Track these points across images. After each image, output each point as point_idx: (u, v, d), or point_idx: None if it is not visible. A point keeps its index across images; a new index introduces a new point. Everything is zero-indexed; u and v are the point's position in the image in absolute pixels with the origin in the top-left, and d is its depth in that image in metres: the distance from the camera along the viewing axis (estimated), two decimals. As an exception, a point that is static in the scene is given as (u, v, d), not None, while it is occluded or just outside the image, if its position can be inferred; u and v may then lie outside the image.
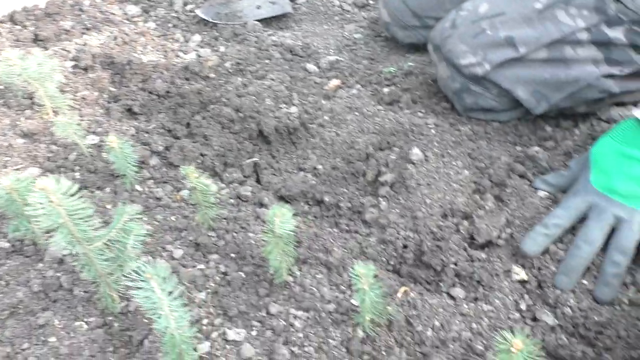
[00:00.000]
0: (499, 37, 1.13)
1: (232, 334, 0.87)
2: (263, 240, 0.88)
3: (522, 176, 1.08)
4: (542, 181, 1.05)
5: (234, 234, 1.03)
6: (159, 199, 1.11)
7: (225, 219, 1.06)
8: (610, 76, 1.11)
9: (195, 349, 0.84)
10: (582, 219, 0.95)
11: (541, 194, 1.04)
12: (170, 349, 0.76)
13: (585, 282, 0.92)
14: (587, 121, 1.18)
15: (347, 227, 1.05)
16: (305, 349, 0.84)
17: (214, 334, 0.87)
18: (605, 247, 0.92)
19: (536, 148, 1.13)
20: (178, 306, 0.71)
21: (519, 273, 0.92)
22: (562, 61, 1.10)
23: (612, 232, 0.93)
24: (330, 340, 0.85)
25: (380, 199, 1.07)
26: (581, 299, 0.89)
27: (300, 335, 0.86)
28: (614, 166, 0.95)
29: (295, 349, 0.84)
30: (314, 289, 0.92)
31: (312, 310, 0.89)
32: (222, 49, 1.62)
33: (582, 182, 0.98)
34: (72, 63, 1.52)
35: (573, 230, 0.96)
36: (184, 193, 1.12)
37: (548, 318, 0.87)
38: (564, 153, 1.12)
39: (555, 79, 1.11)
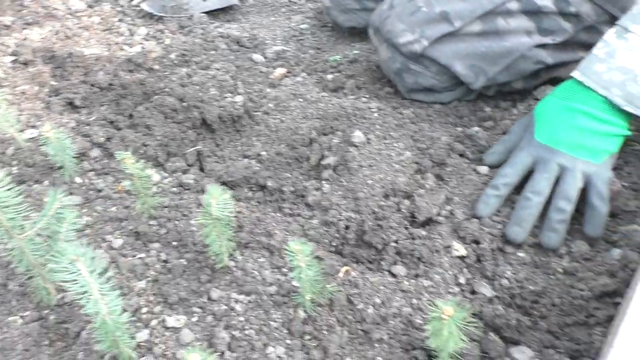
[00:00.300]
0: (434, 12, 1.14)
1: (172, 320, 0.85)
2: (204, 226, 0.87)
3: (461, 155, 1.10)
4: (489, 153, 1.07)
5: (176, 222, 1.01)
6: (99, 190, 1.09)
7: (166, 207, 1.04)
8: (543, 46, 1.14)
9: (133, 337, 0.82)
10: (530, 174, 0.99)
11: (481, 170, 1.06)
12: (104, 336, 0.75)
13: (521, 254, 0.93)
14: (525, 101, 1.21)
15: (290, 211, 1.04)
16: (246, 332, 0.83)
17: (154, 322, 0.86)
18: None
19: (476, 128, 1.14)
20: (109, 290, 0.69)
21: (459, 249, 0.94)
22: (495, 33, 1.12)
23: (557, 181, 0.96)
24: (272, 323, 0.85)
25: (323, 182, 1.07)
26: (518, 271, 0.91)
27: (242, 319, 0.85)
28: (556, 119, 0.99)
29: (236, 332, 0.83)
30: (255, 272, 0.92)
31: (254, 293, 0.88)
32: (167, 41, 1.60)
33: (527, 138, 1.01)
34: (12, 58, 1.48)
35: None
36: (126, 184, 1.10)
37: (486, 290, 0.89)
38: (502, 132, 1.14)
39: (491, 51, 1.13)
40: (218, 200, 0.82)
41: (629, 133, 0.99)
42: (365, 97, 1.29)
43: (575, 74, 0.99)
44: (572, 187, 0.93)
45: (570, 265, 0.91)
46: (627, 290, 0.81)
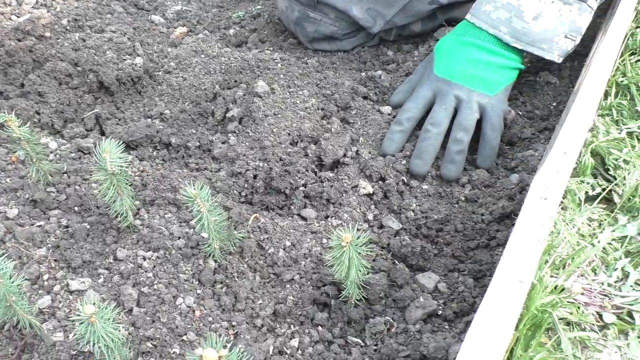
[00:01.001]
0: None
1: (76, 284, 0.82)
2: (102, 184, 0.84)
3: (365, 97, 1.11)
4: (395, 93, 1.09)
5: (76, 187, 0.97)
6: (-9, 163, 1.02)
7: (65, 173, 0.99)
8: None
9: (34, 304, 0.79)
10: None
11: (384, 109, 1.07)
12: (-2, 303, 0.71)
13: (425, 187, 0.96)
14: (426, 43, 1.22)
15: (196, 166, 1.02)
16: (155, 287, 0.81)
17: (56, 287, 0.82)
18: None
19: (379, 71, 1.15)
20: (-5, 253, 0.65)
21: (366, 187, 0.95)
22: None
23: (455, 113, 0.98)
24: (181, 275, 0.83)
25: (229, 134, 1.05)
26: (422, 202, 0.93)
27: (150, 275, 0.83)
28: (452, 53, 1.02)
29: (144, 289, 0.81)
30: (162, 228, 0.89)
31: (162, 249, 0.86)
32: (58, 7, 1.51)
33: (427, 74, 1.04)
34: None
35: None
36: (20, 154, 1.04)
37: (393, 224, 0.90)
38: (405, 74, 1.16)
39: None
40: (112, 155, 0.79)
41: (522, 67, 1.02)
42: (269, 50, 1.27)
43: (467, 16, 1.02)
44: (468, 118, 0.96)
45: (472, 193, 0.94)
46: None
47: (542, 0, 0.97)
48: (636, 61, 1.13)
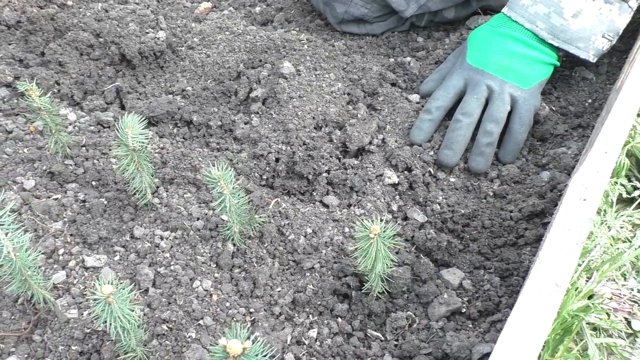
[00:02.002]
0: None
1: (91, 260, 0.80)
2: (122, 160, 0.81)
3: (394, 84, 1.07)
4: (425, 82, 1.05)
5: (95, 161, 0.95)
6: (9, 132, 1.00)
7: (84, 146, 0.97)
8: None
9: (48, 278, 0.77)
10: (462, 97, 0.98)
11: (413, 98, 1.03)
12: (13, 275, 0.69)
13: (452, 179, 0.93)
14: (457, 31, 1.19)
15: (217, 146, 0.99)
16: (172, 268, 0.79)
17: (72, 263, 0.80)
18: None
19: (408, 58, 1.12)
20: (9, 224, 0.63)
21: (391, 176, 0.92)
22: None
23: (486, 104, 0.95)
24: (199, 257, 0.81)
25: (252, 115, 1.02)
26: (449, 196, 0.90)
27: (167, 255, 0.81)
28: (487, 43, 0.98)
29: (161, 269, 0.79)
30: (181, 208, 0.87)
31: (180, 229, 0.84)
32: (82, -24, 1.48)
33: (459, 62, 1.00)
34: None
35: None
36: (38, 124, 1.02)
37: (418, 216, 0.88)
38: (435, 62, 1.12)
39: None
40: (134, 130, 0.76)
41: (557, 63, 0.98)
42: (295, 30, 1.23)
43: (504, 9, 0.99)
44: (500, 110, 0.93)
45: (501, 188, 0.91)
46: (555, 209, 0.81)
47: None
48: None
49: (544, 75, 0.97)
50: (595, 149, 0.73)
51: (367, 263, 0.68)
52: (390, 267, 0.72)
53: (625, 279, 0.84)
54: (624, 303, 0.81)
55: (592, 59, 0.96)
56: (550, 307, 0.57)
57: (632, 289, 0.82)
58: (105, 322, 0.61)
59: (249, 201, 0.87)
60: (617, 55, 1.08)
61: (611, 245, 0.82)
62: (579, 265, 0.75)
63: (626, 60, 0.93)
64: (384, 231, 0.66)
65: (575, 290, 0.71)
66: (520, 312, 0.57)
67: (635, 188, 0.93)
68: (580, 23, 0.94)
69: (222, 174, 0.72)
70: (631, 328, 0.79)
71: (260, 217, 0.84)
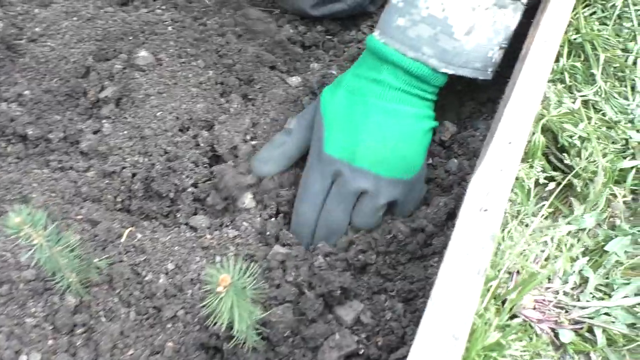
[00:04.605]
0: None
1: None
2: None
3: (272, 67, 0.91)
4: (263, 158, 0.78)
5: None
6: None
7: None
8: None
9: None
10: None
11: (292, 81, 0.87)
12: None
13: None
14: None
15: (59, 165, 0.81)
16: (-8, 337, 0.62)
17: None
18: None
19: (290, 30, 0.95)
20: None
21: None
22: None
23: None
24: (29, 320, 0.64)
25: (104, 121, 0.84)
26: (342, 201, 0.76)
27: (-12, 320, 0.63)
28: (350, 115, 0.75)
29: (-22, 341, 0.62)
30: (7, 254, 0.69)
31: (6, 282, 0.66)
32: None
33: (316, 151, 0.76)
34: None
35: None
36: None
37: (305, 232, 0.73)
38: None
39: None
40: None
41: (435, 124, 0.78)
42: (161, 9, 1.04)
43: (374, 33, 0.75)
44: (367, 222, 0.74)
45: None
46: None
47: (475, 9, 0.72)
48: (590, 14, 0.96)
49: (427, 138, 0.77)
50: (496, 139, 0.59)
51: (222, 321, 0.52)
52: (260, 316, 0.57)
53: (549, 279, 0.72)
54: (549, 310, 0.69)
55: (491, 76, 0.78)
56: (448, 368, 0.44)
57: (557, 292, 0.70)
58: None
59: (93, 237, 0.70)
60: (525, 15, 0.94)
61: (528, 253, 0.70)
62: (488, 290, 0.62)
63: (531, 24, 0.79)
64: (242, 277, 0.51)
65: (486, 324, 0.59)
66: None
67: (555, 168, 0.81)
68: (475, 40, 0.73)
69: (27, 218, 0.55)
70: (559, 340, 0.68)
71: (104, 259, 0.68)
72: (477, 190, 0.54)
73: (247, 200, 0.75)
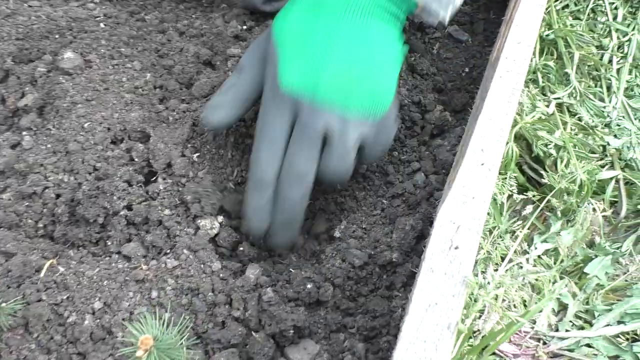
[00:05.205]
0: None
1: None
2: None
3: (211, 65, 0.82)
4: (214, 105, 0.67)
5: None
6: None
7: None
8: None
9: None
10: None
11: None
12: None
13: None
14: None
15: (-30, 187, 0.70)
16: None
17: None
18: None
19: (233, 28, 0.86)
20: None
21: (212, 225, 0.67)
22: None
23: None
24: None
25: (24, 133, 0.74)
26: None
27: None
28: (310, 44, 0.62)
29: None
30: None
31: None
32: None
33: (271, 85, 0.63)
34: None
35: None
36: None
37: (252, 270, 0.64)
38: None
39: None
40: None
41: (406, 48, 0.69)
42: (93, 3, 0.93)
43: None
44: (339, 171, 0.63)
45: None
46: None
47: None
48: (563, 7, 0.90)
49: (399, 63, 0.65)
50: (467, 160, 0.51)
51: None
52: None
53: (526, 306, 0.65)
54: (526, 342, 0.63)
55: (448, 19, 0.65)
56: None
57: (534, 322, 0.64)
58: None
59: (6, 273, 0.60)
60: (495, 10, 0.87)
61: (501, 278, 0.63)
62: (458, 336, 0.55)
63: (502, 20, 0.71)
64: (167, 334, 0.42)
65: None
66: None
67: (529, 179, 0.74)
68: None
69: None
70: (537, 375, 0.62)
71: (21, 298, 0.58)
72: (446, 224, 0.47)
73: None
